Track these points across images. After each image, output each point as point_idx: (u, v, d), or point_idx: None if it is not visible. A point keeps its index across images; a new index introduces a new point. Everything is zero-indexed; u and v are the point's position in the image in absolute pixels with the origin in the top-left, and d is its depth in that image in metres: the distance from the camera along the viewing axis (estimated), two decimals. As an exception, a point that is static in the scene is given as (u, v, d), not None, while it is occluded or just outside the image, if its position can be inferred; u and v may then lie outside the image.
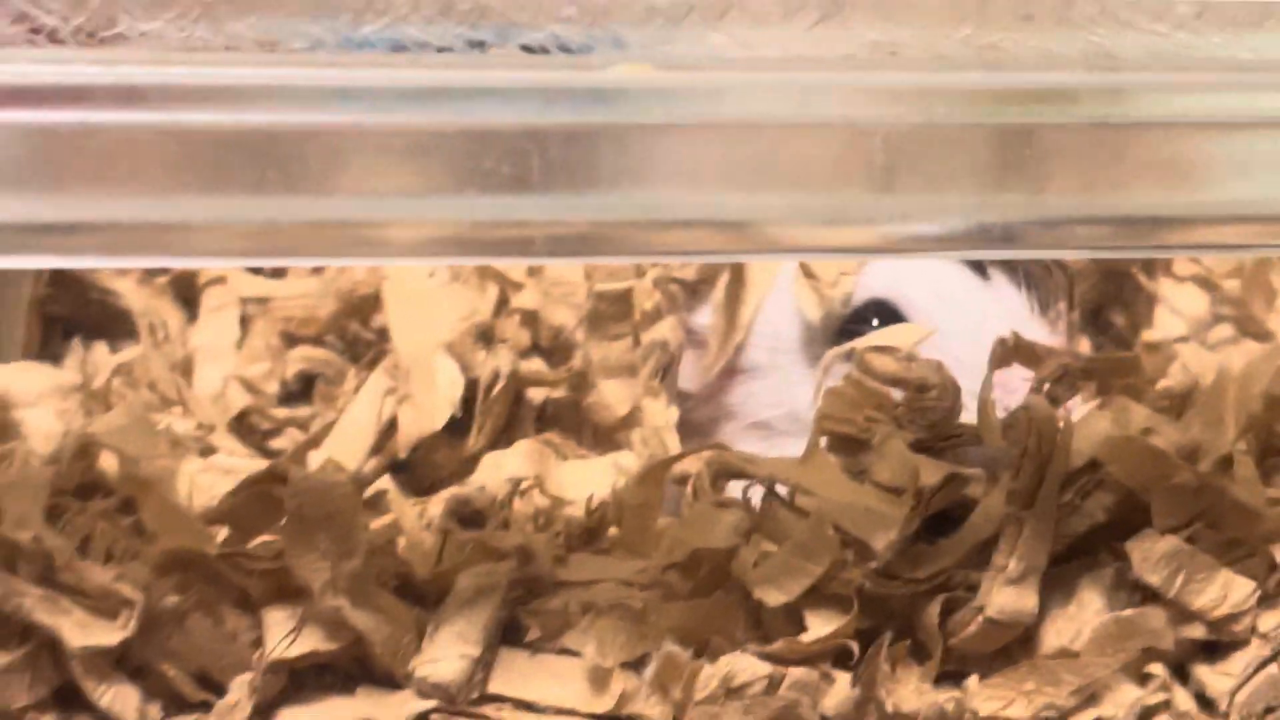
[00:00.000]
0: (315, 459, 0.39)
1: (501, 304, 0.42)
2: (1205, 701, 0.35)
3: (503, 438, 0.40)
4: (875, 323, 0.41)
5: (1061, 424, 0.33)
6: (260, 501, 0.33)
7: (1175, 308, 0.41)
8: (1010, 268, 0.41)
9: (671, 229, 0.28)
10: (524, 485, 0.37)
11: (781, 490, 0.36)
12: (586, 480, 0.38)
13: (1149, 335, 0.41)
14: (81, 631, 0.31)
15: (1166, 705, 0.35)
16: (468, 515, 0.36)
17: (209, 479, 0.36)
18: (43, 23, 0.27)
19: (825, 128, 0.28)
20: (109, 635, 0.31)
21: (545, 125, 0.27)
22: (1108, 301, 0.41)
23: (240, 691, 0.32)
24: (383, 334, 0.43)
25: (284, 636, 0.32)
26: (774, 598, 0.33)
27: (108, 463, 0.35)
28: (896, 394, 0.36)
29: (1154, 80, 0.29)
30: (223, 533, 0.34)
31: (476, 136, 0.27)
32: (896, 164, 0.29)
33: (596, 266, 0.42)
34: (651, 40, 0.28)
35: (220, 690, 0.33)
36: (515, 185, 0.27)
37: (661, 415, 0.40)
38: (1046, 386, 0.35)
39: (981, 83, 0.28)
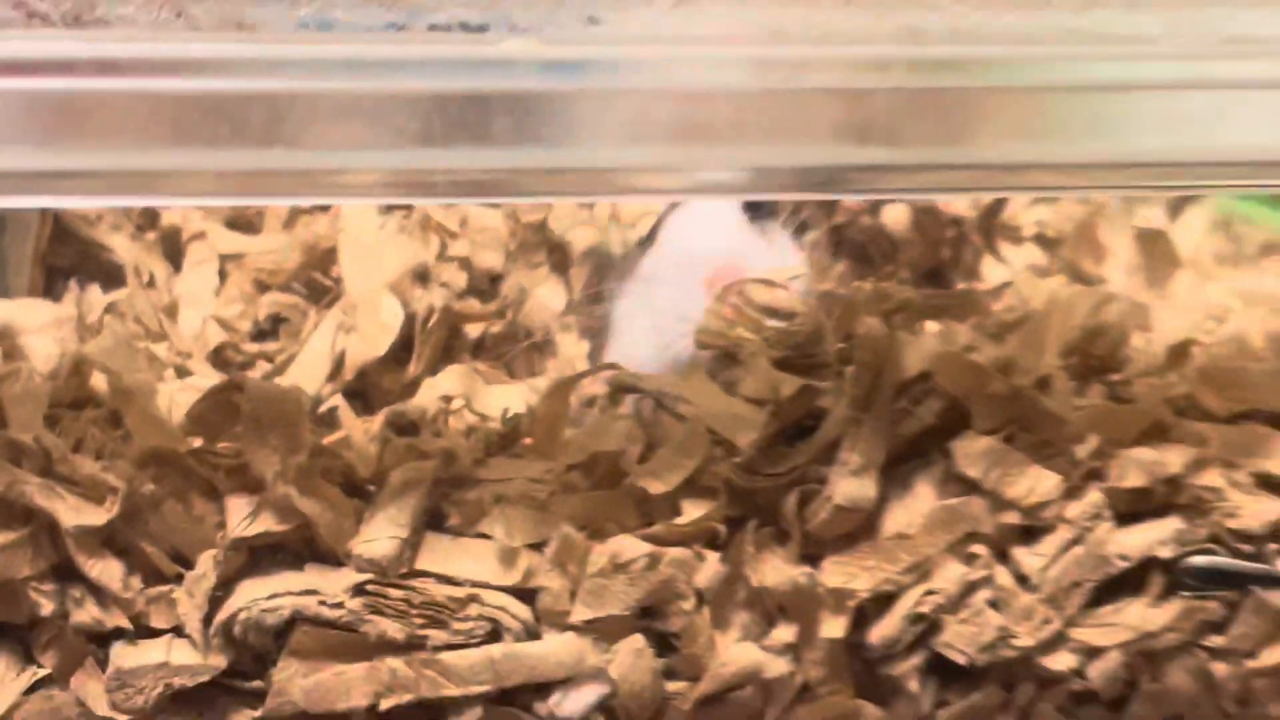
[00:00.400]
0: (281, 385, 0.44)
1: (441, 251, 0.48)
2: (1021, 578, 0.39)
3: (440, 366, 0.46)
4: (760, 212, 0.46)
5: (893, 343, 0.38)
6: (224, 408, 0.37)
7: (1014, 265, 0.46)
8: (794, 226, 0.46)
9: (550, 176, 0.34)
10: (454, 404, 0.43)
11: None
12: (508, 400, 0.43)
13: (980, 286, 0.46)
14: (74, 514, 0.36)
15: (988, 581, 0.39)
16: (405, 426, 0.40)
17: (186, 396, 0.40)
18: (35, 8, 0.32)
19: (680, 93, 0.33)
20: (97, 517, 0.36)
21: (447, 90, 0.32)
22: (943, 265, 0.46)
23: (206, 565, 0.37)
24: (339, 282, 0.47)
25: (243, 520, 0.37)
26: (655, 487, 0.38)
27: (98, 381, 0.40)
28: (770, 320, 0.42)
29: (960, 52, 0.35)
30: (195, 439, 0.39)
31: (393, 100, 0.32)
32: (743, 121, 0.34)
33: (519, 212, 0.47)
34: (537, 21, 0.33)
35: (190, 565, 0.37)
36: (423, 140, 0.33)
37: (573, 346, 0.45)
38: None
39: (811, 55, 0.34)
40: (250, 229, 0.51)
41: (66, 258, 0.48)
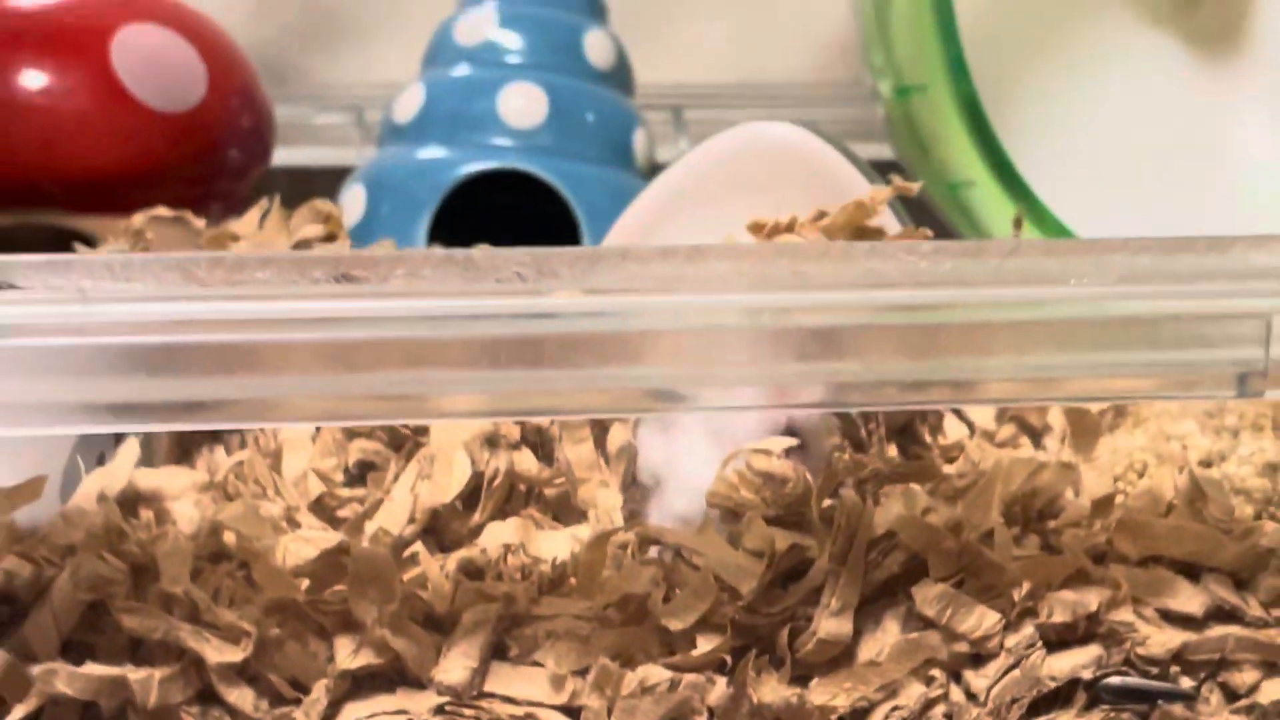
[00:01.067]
0: (370, 527, 0.50)
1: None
2: (971, 695, 0.45)
3: (503, 511, 0.53)
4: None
5: (865, 508, 0.45)
6: (331, 565, 0.44)
7: (969, 418, 0.54)
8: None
9: (594, 395, 0.41)
10: (512, 548, 0.50)
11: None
12: (556, 546, 0.51)
13: (943, 440, 0.53)
14: (217, 653, 0.43)
15: (944, 697, 0.45)
16: (473, 571, 0.48)
17: (297, 546, 0.47)
18: (196, 274, 0.40)
19: (689, 331, 0.41)
20: (235, 655, 0.43)
21: (509, 334, 0.39)
22: (913, 419, 0.53)
23: (319, 691, 0.43)
24: (417, 431, 0.55)
25: (348, 655, 0.44)
26: (675, 625, 0.44)
27: (229, 538, 0.47)
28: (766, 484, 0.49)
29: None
30: (306, 584, 0.46)
31: (480, 339, 0.39)
32: (741, 353, 0.42)
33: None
34: (578, 275, 0.40)
35: (306, 691, 0.44)
36: (509, 367, 0.39)
37: (611, 499, 0.52)
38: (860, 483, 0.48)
39: (794, 301, 0.41)
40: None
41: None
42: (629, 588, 0.46)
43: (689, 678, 0.45)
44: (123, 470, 0.47)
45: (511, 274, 0.40)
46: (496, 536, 0.50)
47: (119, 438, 0.49)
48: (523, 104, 0.83)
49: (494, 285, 0.41)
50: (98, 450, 0.48)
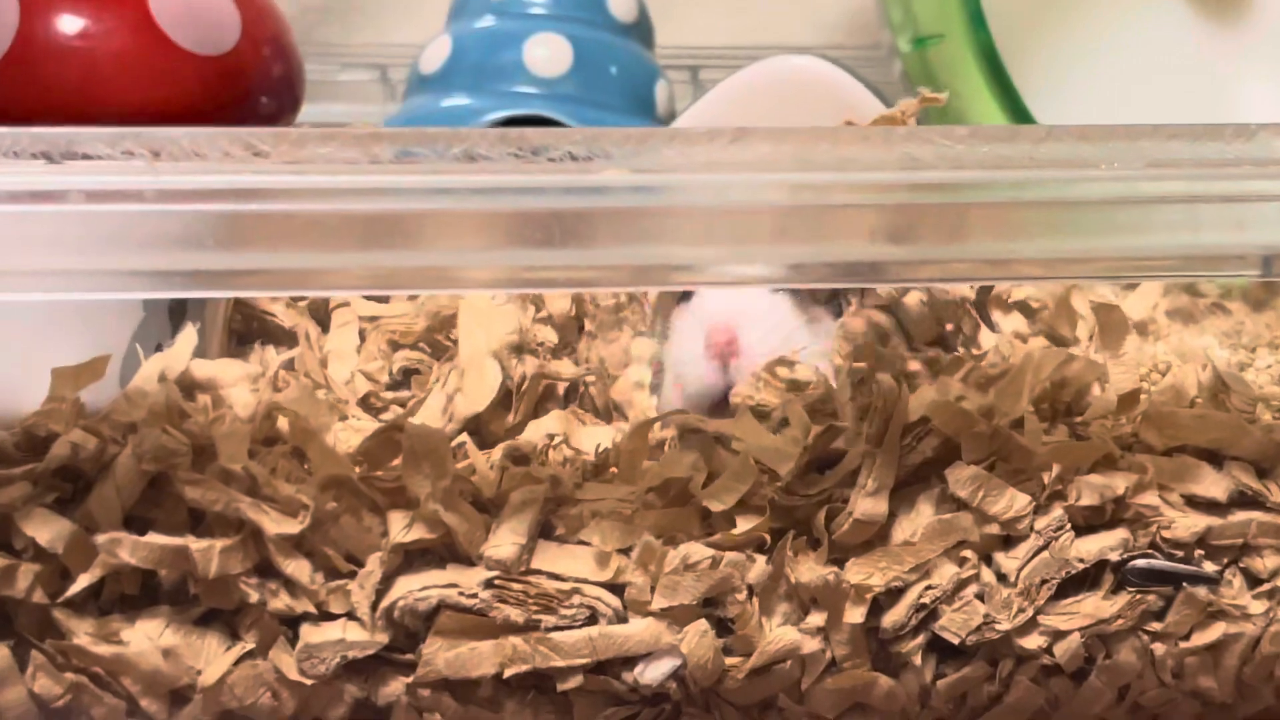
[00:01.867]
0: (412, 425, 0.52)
1: (537, 316, 0.56)
2: (1001, 576, 0.46)
3: (536, 413, 0.53)
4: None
5: (901, 393, 0.46)
6: (386, 444, 0.45)
7: (1001, 328, 0.54)
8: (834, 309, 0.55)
9: (640, 271, 0.43)
10: (555, 440, 0.51)
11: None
12: (599, 438, 0.51)
13: (976, 352, 0.54)
14: (275, 524, 0.44)
15: (975, 578, 0.46)
16: (519, 458, 0.48)
17: (346, 435, 0.48)
18: (260, 149, 0.41)
19: (737, 208, 0.41)
20: (292, 527, 0.44)
21: (560, 207, 0.40)
22: (946, 336, 0.54)
23: (374, 565, 0.44)
24: (457, 343, 0.56)
25: (401, 529, 0.44)
26: (715, 506, 0.45)
27: (281, 424, 0.48)
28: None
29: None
30: (360, 466, 0.46)
31: (521, 215, 0.40)
32: (787, 227, 0.43)
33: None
34: (627, 154, 0.41)
35: (360, 564, 0.45)
36: (543, 244, 0.41)
37: (646, 400, 0.53)
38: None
39: (830, 180, 0.42)
40: (382, 299, 0.60)
41: (241, 323, 0.57)
42: (671, 473, 0.47)
43: (730, 555, 0.46)
44: (181, 355, 0.48)
45: (564, 152, 0.41)
46: (540, 429, 0.51)
47: (176, 328, 0.50)
48: (547, 54, 0.84)
49: (546, 163, 0.41)
50: (155, 340, 0.50)
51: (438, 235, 0.41)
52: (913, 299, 0.55)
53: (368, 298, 0.58)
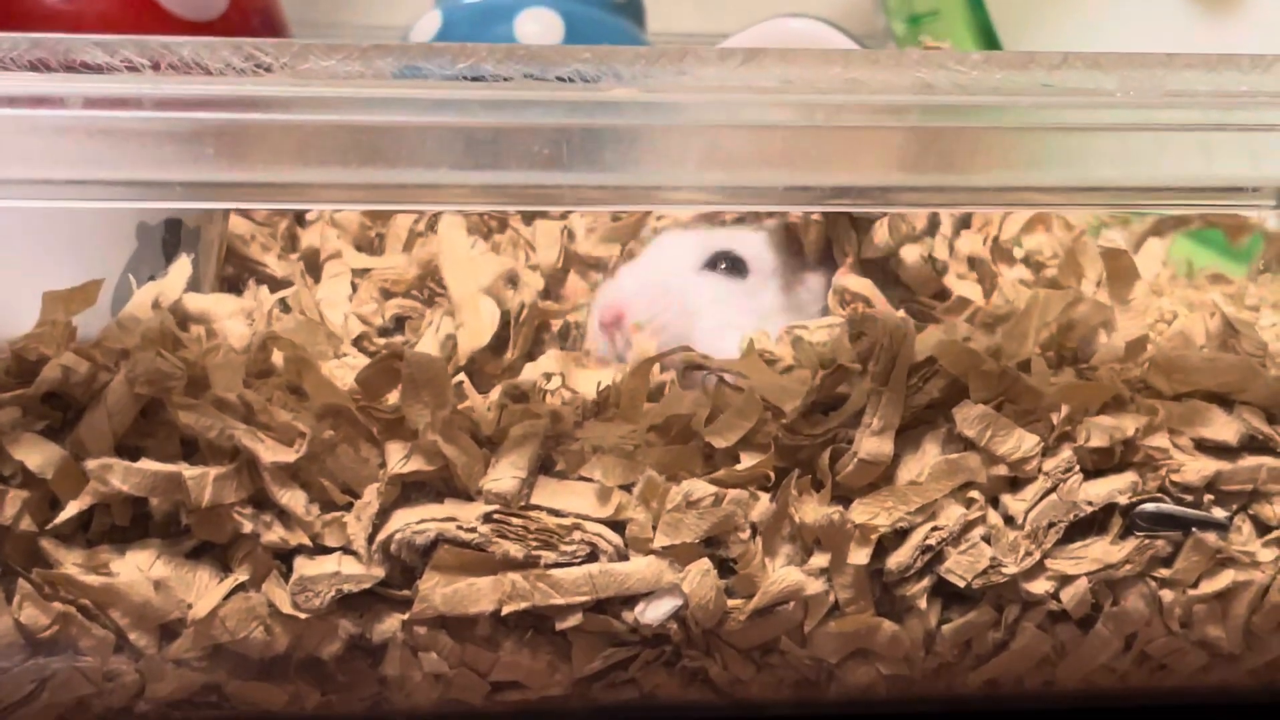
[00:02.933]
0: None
1: (525, 261, 0.56)
2: (1008, 519, 0.45)
3: (533, 353, 0.53)
4: (723, 266, 0.54)
5: (906, 331, 0.45)
6: (385, 374, 0.44)
7: (1010, 280, 0.54)
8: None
9: (650, 191, 0.42)
10: (553, 382, 0.50)
11: (727, 377, 0.47)
12: (596, 379, 0.51)
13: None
14: (271, 453, 0.42)
15: (982, 520, 0.45)
16: (518, 396, 0.47)
17: (340, 371, 0.47)
18: (262, 60, 0.40)
19: (747, 128, 0.41)
20: (288, 455, 0.43)
21: (571, 124, 0.40)
22: (946, 288, 0.53)
23: (370, 496, 0.43)
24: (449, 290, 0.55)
25: (399, 461, 0.43)
26: (719, 443, 0.45)
27: (276, 358, 0.46)
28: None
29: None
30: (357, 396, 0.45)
31: (531, 130, 0.40)
32: (793, 152, 0.42)
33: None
34: (637, 74, 0.40)
35: (357, 496, 0.44)
36: (552, 163, 0.40)
37: (646, 341, 0.53)
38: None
39: (842, 101, 0.42)
40: (374, 250, 0.59)
41: (233, 273, 0.56)
42: (674, 410, 0.46)
43: (733, 493, 0.45)
44: (175, 284, 0.47)
45: (574, 71, 0.40)
46: (537, 369, 0.50)
47: (169, 260, 0.49)
48: (539, 30, 0.83)
49: (555, 82, 0.40)
50: (148, 272, 0.49)
51: (441, 152, 0.40)
52: (911, 253, 0.55)
53: (360, 249, 0.57)
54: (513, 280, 0.53)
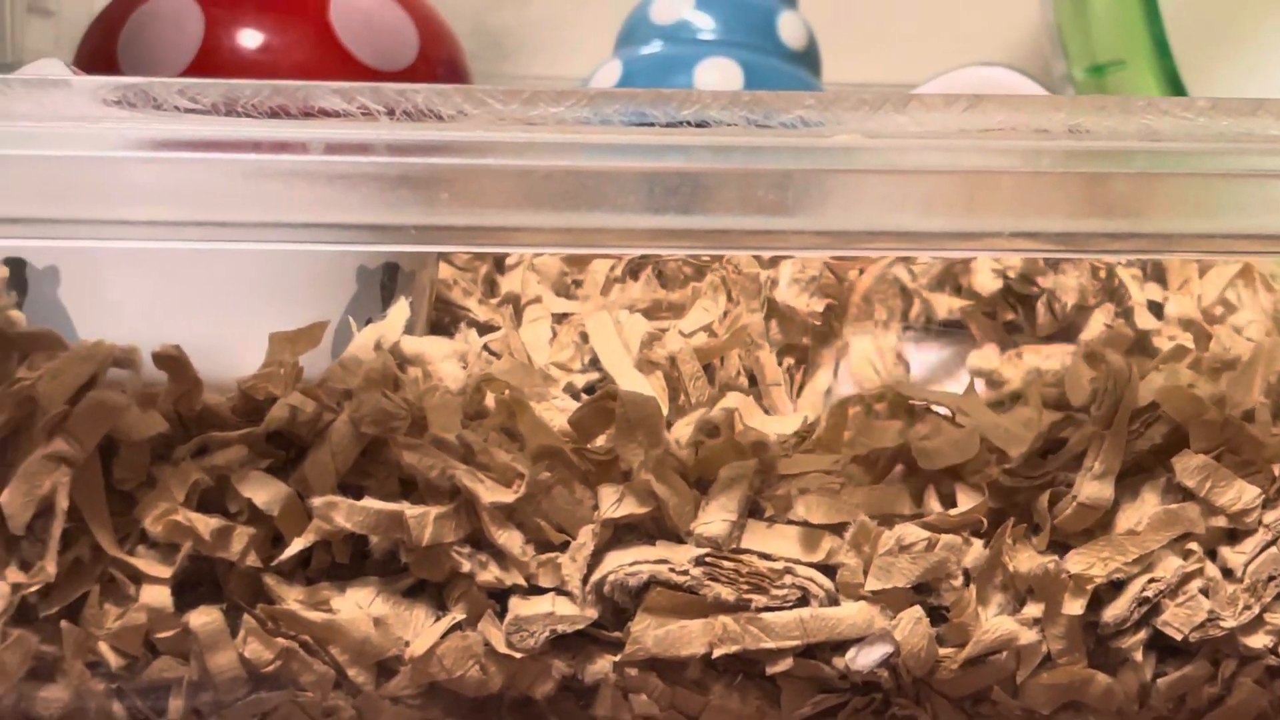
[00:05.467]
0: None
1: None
2: (1227, 571, 0.45)
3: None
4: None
5: (1131, 375, 0.44)
6: (597, 415, 0.45)
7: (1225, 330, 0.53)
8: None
9: (874, 238, 0.42)
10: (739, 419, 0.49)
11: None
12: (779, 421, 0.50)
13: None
14: (490, 493, 0.43)
15: (1200, 572, 0.44)
16: (710, 431, 0.47)
17: (549, 413, 0.47)
18: (494, 107, 0.41)
19: (971, 173, 0.40)
20: (507, 496, 0.43)
21: (797, 169, 0.40)
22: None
23: (585, 537, 0.44)
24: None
25: (613, 502, 0.44)
26: (927, 464, 0.45)
27: (489, 401, 0.47)
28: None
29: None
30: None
31: (755, 175, 0.40)
32: (1019, 197, 0.42)
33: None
34: (860, 119, 0.40)
35: (571, 536, 0.44)
36: (776, 208, 0.40)
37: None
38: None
39: (1068, 146, 0.42)
40: (570, 296, 0.60)
41: (436, 316, 0.57)
42: (879, 443, 0.46)
43: (946, 538, 0.45)
44: (395, 327, 0.48)
45: (796, 118, 0.41)
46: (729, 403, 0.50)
47: (386, 302, 0.50)
48: (719, 78, 0.84)
49: (780, 129, 0.41)
50: (366, 314, 0.50)
51: (665, 196, 0.40)
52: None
53: (557, 294, 0.58)
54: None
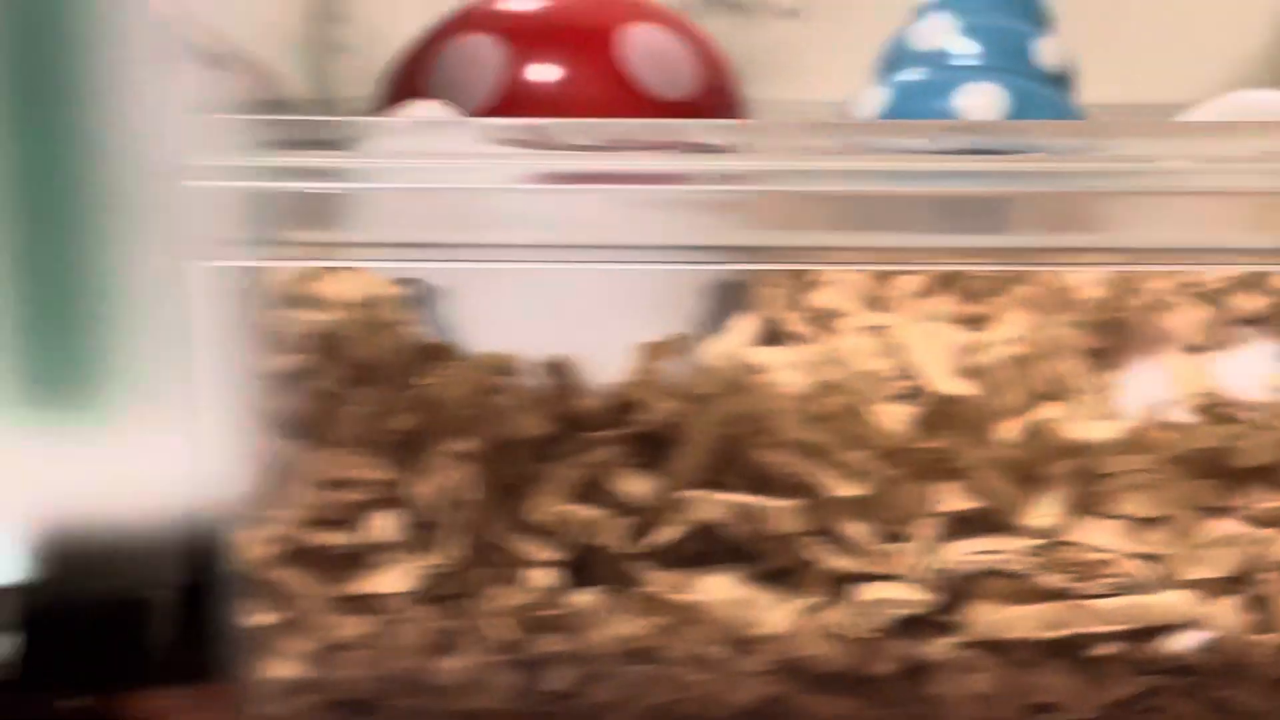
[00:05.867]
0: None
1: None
2: None
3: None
4: None
5: None
6: (937, 415, 0.49)
7: None
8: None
9: (1147, 253, 0.46)
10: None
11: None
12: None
13: None
14: (839, 488, 0.48)
15: None
16: (1034, 432, 0.50)
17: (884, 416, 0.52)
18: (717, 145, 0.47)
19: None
20: (854, 491, 0.48)
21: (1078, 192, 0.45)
22: None
23: (925, 529, 0.48)
24: None
25: (951, 497, 0.48)
26: (1241, 460, 0.48)
27: (830, 405, 0.51)
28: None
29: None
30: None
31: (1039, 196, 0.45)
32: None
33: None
34: (1138, 146, 0.45)
35: (912, 528, 0.49)
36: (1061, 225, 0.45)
37: None
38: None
39: None
40: (884, 308, 0.64)
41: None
42: (1199, 443, 0.49)
43: (1262, 531, 0.48)
44: (741, 338, 0.53)
45: (1083, 143, 0.46)
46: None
47: (722, 318, 0.55)
48: (983, 102, 0.87)
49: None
50: (712, 326, 0.55)
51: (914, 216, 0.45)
52: None
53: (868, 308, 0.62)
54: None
